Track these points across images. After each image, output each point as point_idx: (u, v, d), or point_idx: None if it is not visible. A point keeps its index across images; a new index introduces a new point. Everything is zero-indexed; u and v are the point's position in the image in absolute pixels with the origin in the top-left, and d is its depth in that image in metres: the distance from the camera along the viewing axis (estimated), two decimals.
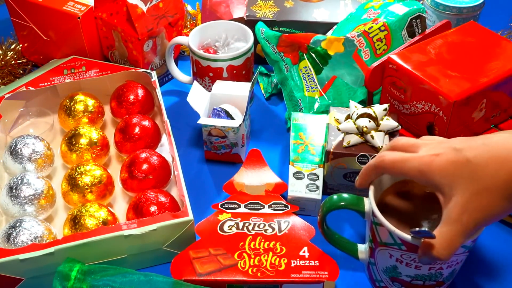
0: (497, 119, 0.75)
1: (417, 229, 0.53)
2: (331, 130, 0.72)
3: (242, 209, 0.67)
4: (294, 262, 0.61)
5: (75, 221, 0.65)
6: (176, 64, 0.93)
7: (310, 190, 0.70)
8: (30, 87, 0.83)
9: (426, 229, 0.53)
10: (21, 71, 0.95)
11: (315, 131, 0.77)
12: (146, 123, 0.77)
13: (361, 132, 0.69)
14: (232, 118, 0.77)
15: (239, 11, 0.94)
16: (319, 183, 0.71)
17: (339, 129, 0.71)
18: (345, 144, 0.69)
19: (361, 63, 0.83)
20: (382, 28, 0.83)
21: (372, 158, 0.69)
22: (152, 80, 0.83)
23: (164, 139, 0.80)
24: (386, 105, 0.70)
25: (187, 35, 0.87)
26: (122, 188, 0.74)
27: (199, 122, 0.76)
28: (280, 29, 0.91)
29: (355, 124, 0.70)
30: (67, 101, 0.81)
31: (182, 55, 1.00)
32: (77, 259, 0.60)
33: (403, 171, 0.53)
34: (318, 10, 0.93)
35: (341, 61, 0.83)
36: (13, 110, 0.83)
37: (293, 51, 0.84)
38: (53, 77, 0.85)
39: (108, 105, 0.85)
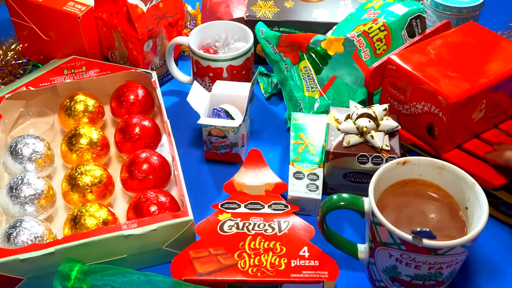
0: (497, 119, 0.75)
1: (418, 229, 0.53)
2: (331, 130, 0.72)
3: (242, 209, 0.67)
4: (294, 262, 0.61)
5: (75, 221, 0.65)
6: (176, 64, 0.93)
7: (310, 190, 0.70)
8: (30, 87, 0.83)
9: (427, 229, 0.53)
10: (21, 71, 0.95)
11: (315, 131, 0.77)
12: (146, 123, 0.77)
13: (361, 132, 0.69)
14: (232, 118, 0.77)
15: (239, 11, 0.94)
16: (319, 183, 0.71)
17: (339, 129, 0.71)
18: (345, 144, 0.69)
19: (361, 63, 0.83)
20: (382, 28, 0.83)
21: (372, 158, 0.69)
22: (152, 80, 0.83)
23: (164, 139, 0.80)
24: (386, 105, 0.71)
25: (187, 35, 0.87)
26: (122, 188, 0.74)
27: (199, 122, 0.76)
28: (280, 29, 0.92)
29: (355, 124, 0.70)
30: (67, 101, 0.81)
31: (182, 55, 1.00)
32: (77, 259, 0.60)
33: None
34: (318, 10, 0.93)
35: (341, 61, 0.83)
36: (13, 110, 0.83)
37: (293, 51, 0.84)
38: (53, 77, 0.85)
39: (108, 105, 0.85)
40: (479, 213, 0.57)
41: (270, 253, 0.62)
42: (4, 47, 0.95)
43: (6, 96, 0.81)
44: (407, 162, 0.62)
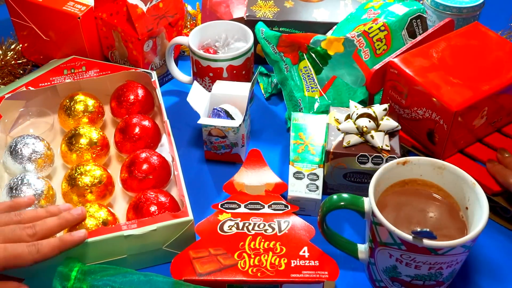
0: (498, 124, 0.74)
1: (418, 229, 0.53)
2: (331, 130, 0.72)
3: (242, 209, 0.67)
4: (294, 262, 0.61)
5: None
6: (176, 64, 0.93)
7: (310, 190, 0.70)
8: (30, 87, 0.83)
9: (428, 229, 0.53)
10: (21, 71, 0.95)
11: (315, 131, 0.77)
12: (146, 123, 0.77)
13: (361, 132, 0.69)
14: (232, 118, 0.77)
15: (239, 11, 0.94)
16: (319, 183, 0.71)
17: (339, 129, 0.71)
18: (345, 144, 0.69)
19: (361, 63, 0.83)
20: (382, 28, 0.83)
21: (372, 158, 0.69)
22: (152, 80, 0.83)
23: (164, 139, 0.80)
24: (386, 105, 0.70)
25: (187, 35, 0.87)
26: (122, 188, 0.74)
27: (199, 122, 0.76)
28: (280, 29, 0.92)
29: (355, 124, 0.70)
30: (67, 101, 0.81)
31: (182, 55, 1.00)
32: (77, 259, 0.60)
33: None
34: (318, 10, 0.93)
35: (341, 61, 0.83)
36: (13, 110, 0.83)
37: (293, 51, 0.84)
38: (53, 77, 0.85)
39: (108, 105, 0.85)
40: (479, 213, 0.57)
41: (270, 253, 0.62)
42: (4, 47, 0.95)
43: (6, 96, 0.81)
44: (407, 162, 0.62)
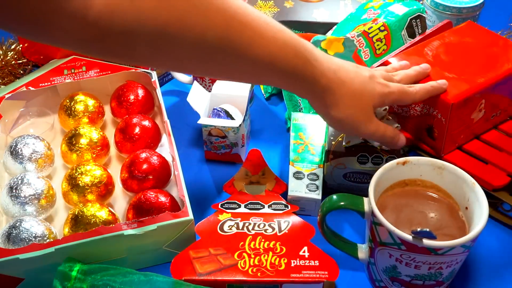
0: (497, 119, 0.75)
1: (418, 229, 0.53)
2: (331, 130, 0.72)
3: (242, 209, 0.68)
4: (294, 262, 0.61)
5: (75, 221, 0.65)
6: None
7: (310, 190, 0.70)
8: (30, 87, 0.83)
9: (428, 229, 0.53)
10: (21, 71, 0.95)
11: (315, 131, 0.77)
12: (146, 123, 0.77)
13: None
14: (232, 118, 0.77)
15: None
16: (319, 183, 0.71)
17: None
18: (345, 144, 0.69)
19: (361, 63, 0.83)
20: (382, 28, 0.83)
21: (372, 158, 0.69)
22: (152, 80, 0.83)
23: (164, 139, 0.80)
24: (385, 107, 0.70)
25: None
26: (122, 188, 0.74)
27: (199, 122, 0.76)
28: None
29: None
30: (67, 101, 0.81)
31: None
32: (77, 259, 0.60)
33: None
34: (318, 10, 0.93)
35: None
36: (13, 110, 0.83)
37: None
38: (53, 77, 0.85)
39: (108, 105, 0.85)
40: (479, 213, 0.57)
41: (270, 253, 0.62)
42: (4, 47, 0.95)
43: (6, 96, 0.81)
44: (407, 162, 0.62)
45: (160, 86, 0.90)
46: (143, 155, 0.72)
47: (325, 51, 0.82)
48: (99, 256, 0.63)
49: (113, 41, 0.49)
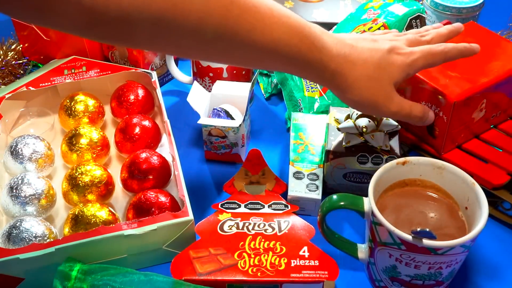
0: (497, 119, 0.75)
1: (418, 229, 0.53)
2: (331, 130, 0.72)
3: (242, 209, 0.68)
4: (294, 262, 0.61)
5: (75, 221, 0.65)
6: (176, 64, 0.93)
7: (310, 190, 0.70)
8: (30, 87, 0.83)
9: (427, 229, 0.53)
10: (22, 71, 0.95)
11: (315, 131, 0.77)
12: (146, 123, 0.77)
13: (361, 132, 0.69)
14: (232, 118, 0.77)
15: None
16: (319, 183, 0.71)
17: (339, 129, 0.71)
18: (345, 144, 0.69)
19: None
20: (382, 28, 0.83)
21: (372, 158, 0.69)
22: (152, 80, 0.84)
23: (164, 139, 0.80)
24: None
25: None
26: (122, 188, 0.74)
27: (199, 122, 0.76)
28: None
29: (355, 124, 0.70)
30: (68, 101, 0.81)
31: None
32: (77, 259, 0.61)
33: None
34: (318, 10, 0.93)
35: None
36: (13, 110, 0.83)
37: None
38: (54, 77, 0.85)
39: (109, 105, 0.85)
40: (479, 213, 0.57)
41: (270, 253, 0.62)
42: (4, 47, 0.95)
43: (7, 96, 0.81)
44: (407, 162, 0.62)
45: (160, 86, 0.90)
46: (143, 155, 0.72)
47: None
48: (99, 256, 0.63)
49: (110, 27, 0.49)
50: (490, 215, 0.66)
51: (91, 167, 0.71)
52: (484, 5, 0.91)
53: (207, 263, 0.61)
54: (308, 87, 0.83)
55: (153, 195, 0.67)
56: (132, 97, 0.81)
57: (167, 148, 0.77)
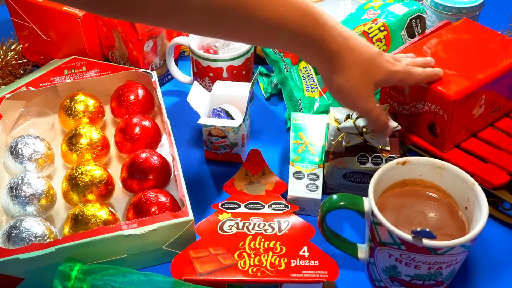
0: (496, 114, 0.75)
1: (418, 229, 0.53)
2: (331, 130, 0.72)
3: (242, 209, 0.68)
4: (294, 262, 0.61)
5: (75, 221, 0.65)
6: (176, 64, 0.94)
7: (310, 190, 0.70)
8: (30, 87, 0.83)
9: (427, 229, 0.53)
10: (22, 71, 0.95)
11: (315, 131, 0.77)
12: (146, 123, 0.77)
13: (360, 132, 0.69)
14: (232, 118, 0.77)
15: None
16: (319, 183, 0.71)
17: (338, 129, 0.71)
18: (345, 144, 0.69)
19: None
20: (382, 28, 0.83)
21: (372, 158, 0.69)
22: (152, 80, 0.84)
23: (164, 139, 0.80)
24: (386, 105, 0.71)
25: (187, 35, 0.87)
26: (122, 188, 0.74)
27: (199, 122, 0.76)
28: None
29: (354, 124, 0.70)
30: (68, 101, 0.81)
31: (182, 55, 1.00)
32: (77, 259, 0.61)
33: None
34: None
35: None
36: (13, 110, 0.83)
37: None
38: (54, 77, 0.85)
39: (109, 105, 0.85)
40: (478, 213, 0.57)
41: (270, 253, 0.62)
42: (4, 47, 0.95)
43: (7, 96, 0.81)
44: (407, 162, 0.62)
45: (160, 86, 0.90)
46: (143, 155, 0.72)
47: None
48: (99, 256, 0.63)
49: (119, 2, 0.50)
50: (490, 215, 0.66)
51: (91, 167, 0.71)
52: (484, 5, 0.91)
53: (207, 263, 0.61)
54: (308, 87, 0.83)
55: (153, 195, 0.67)
56: (132, 97, 0.81)
57: (167, 148, 0.77)
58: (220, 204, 0.68)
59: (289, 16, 0.56)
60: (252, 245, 0.63)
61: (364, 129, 0.69)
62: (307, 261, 0.61)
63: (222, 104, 0.80)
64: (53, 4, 0.87)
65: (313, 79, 0.83)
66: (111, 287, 0.58)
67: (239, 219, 0.66)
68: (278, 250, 0.62)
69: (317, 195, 0.70)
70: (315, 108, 0.83)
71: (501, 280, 0.64)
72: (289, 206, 0.68)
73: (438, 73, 0.68)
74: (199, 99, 0.79)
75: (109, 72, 0.86)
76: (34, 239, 0.63)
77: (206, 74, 0.85)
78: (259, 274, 0.60)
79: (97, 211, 0.66)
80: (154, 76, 0.84)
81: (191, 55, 0.85)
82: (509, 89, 0.74)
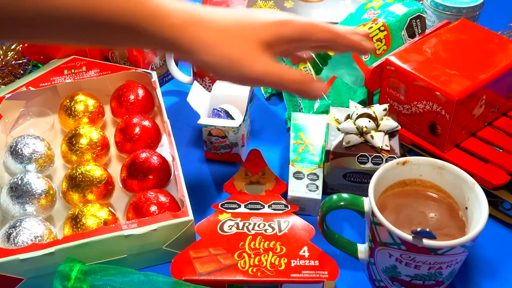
0: (494, 114, 0.75)
1: (418, 229, 0.53)
2: (331, 130, 0.72)
3: (242, 209, 0.68)
4: (294, 262, 0.61)
5: (75, 221, 0.65)
6: (176, 64, 0.93)
7: (310, 190, 0.70)
8: (30, 87, 0.83)
9: (428, 229, 0.53)
10: (22, 71, 0.95)
11: (315, 131, 0.77)
12: (146, 123, 0.77)
13: (361, 132, 0.69)
14: (232, 118, 0.77)
15: None
16: (319, 183, 0.71)
17: (339, 129, 0.71)
18: (345, 144, 0.69)
19: (360, 63, 0.83)
20: (382, 28, 0.83)
21: (372, 158, 0.69)
22: (152, 80, 0.83)
23: (164, 139, 0.80)
24: (385, 105, 0.71)
25: None
26: (122, 188, 0.74)
27: (199, 122, 0.76)
28: None
29: (355, 124, 0.70)
30: (68, 101, 0.81)
31: None
32: (77, 259, 0.61)
33: None
34: (318, 10, 0.93)
35: (341, 61, 0.83)
36: (13, 110, 0.83)
37: None
38: (54, 77, 0.85)
39: (109, 105, 0.85)
40: (479, 213, 0.57)
41: (270, 253, 0.62)
42: (4, 47, 0.95)
43: (6, 96, 0.81)
44: (407, 162, 0.62)
45: (160, 86, 0.90)
46: (143, 155, 0.72)
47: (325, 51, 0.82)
48: (99, 256, 0.63)
49: None
50: (490, 215, 0.66)
51: (91, 167, 0.71)
52: (484, 5, 0.91)
53: (207, 263, 0.61)
54: None
55: (153, 195, 0.67)
56: (132, 97, 0.81)
57: (167, 148, 0.77)
58: (220, 204, 0.68)
59: (99, 2, 0.47)
60: (252, 245, 0.63)
61: (364, 129, 0.68)
62: (307, 261, 0.61)
63: (222, 104, 0.80)
64: None
65: None
66: (111, 287, 0.58)
67: (239, 219, 0.66)
68: (278, 250, 0.62)
69: (317, 195, 0.70)
70: (315, 108, 0.83)
71: (501, 280, 0.64)
72: (289, 206, 0.68)
73: (366, 47, 0.56)
74: (199, 99, 0.79)
75: (109, 72, 0.86)
76: (34, 239, 0.63)
77: (206, 74, 0.85)
78: (259, 274, 0.60)
79: (97, 211, 0.66)
80: (154, 76, 0.84)
81: None
82: (507, 90, 0.74)
